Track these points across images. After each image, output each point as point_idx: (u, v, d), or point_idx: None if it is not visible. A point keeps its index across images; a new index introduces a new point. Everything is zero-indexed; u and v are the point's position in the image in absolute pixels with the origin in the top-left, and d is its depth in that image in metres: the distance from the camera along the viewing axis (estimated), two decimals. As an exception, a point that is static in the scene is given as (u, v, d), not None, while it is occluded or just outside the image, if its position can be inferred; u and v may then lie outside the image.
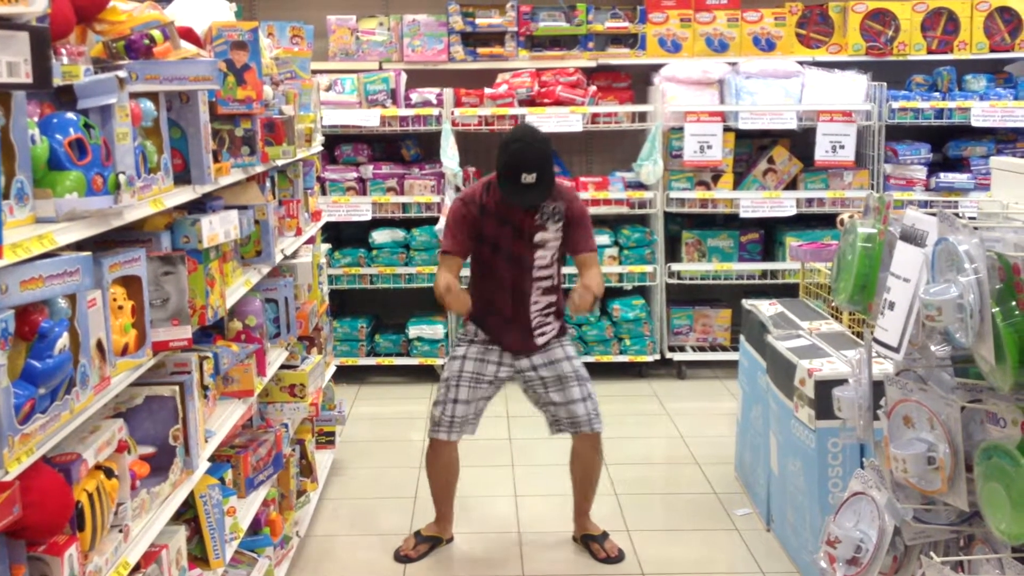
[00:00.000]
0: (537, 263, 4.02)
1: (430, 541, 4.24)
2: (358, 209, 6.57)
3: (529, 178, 3.85)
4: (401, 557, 4.18)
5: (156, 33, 2.69)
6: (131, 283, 2.43)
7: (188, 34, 3.11)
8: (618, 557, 4.14)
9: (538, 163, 3.86)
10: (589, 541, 4.22)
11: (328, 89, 6.52)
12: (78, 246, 2.17)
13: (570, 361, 4.10)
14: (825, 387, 3.55)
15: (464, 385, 4.07)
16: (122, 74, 2.33)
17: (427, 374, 6.69)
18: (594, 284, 3.93)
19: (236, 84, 3.26)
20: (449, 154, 6.41)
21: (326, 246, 5.77)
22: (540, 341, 4.10)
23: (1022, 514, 2.09)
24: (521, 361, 4.10)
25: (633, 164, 6.61)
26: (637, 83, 6.88)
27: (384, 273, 6.62)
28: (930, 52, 6.62)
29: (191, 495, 2.93)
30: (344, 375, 6.47)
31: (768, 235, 6.88)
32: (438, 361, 6.58)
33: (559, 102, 6.48)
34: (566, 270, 4.56)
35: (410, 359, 6.64)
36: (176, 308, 2.65)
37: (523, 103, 6.50)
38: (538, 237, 4.00)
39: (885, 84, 6.50)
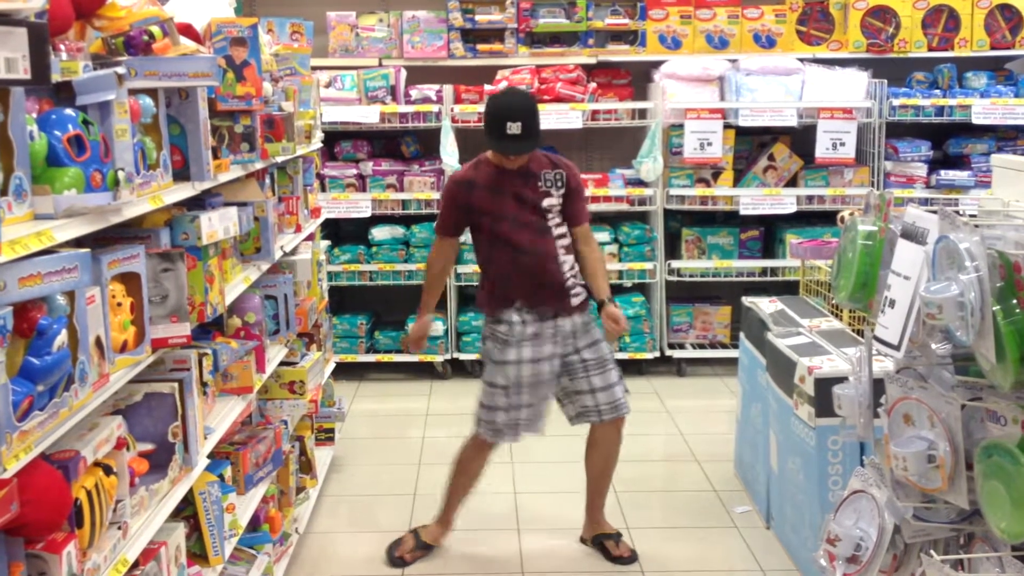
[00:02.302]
0: (551, 223, 3.99)
1: (427, 548, 4.21)
2: (358, 206, 6.56)
3: (514, 128, 3.83)
4: (396, 559, 4.15)
5: (155, 29, 2.69)
6: (130, 280, 2.43)
7: (187, 30, 3.11)
8: (631, 558, 4.12)
9: (522, 113, 3.85)
10: (604, 540, 4.19)
11: (328, 85, 6.52)
12: (77, 243, 2.17)
13: (605, 343, 4.10)
14: (825, 385, 3.54)
15: (526, 391, 3.99)
16: (121, 70, 2.32)
17: (427, 371, 6.69)
18: (621, 320, 4.05)
19: (235, 80, 3.26)
20: (449, 151, 6.41)
21: (325, 243, 5.75)
22: (575, 302, 4.03)
23: (1022, 513, 2.08)
24: (567, 347, 4.01)
25: (633, 161, 6.60)
26: (637, 80, 6.87)
27: (384, 270, 6.62)
28: (931, 49, 6.62)
29: (190, 492, 2.92)
30: (343, 372, 6.46)
31: (768, 232, 6.87)
32: (438, 358, 6.58)
33: (559, 99, 6.48)
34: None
35: (410, 356, 6.63)
36: (175, 305, 2.65)
37: (523, 100, 6.49)
38: (546, 203, 3.98)
39: (886, 81, 6.49)
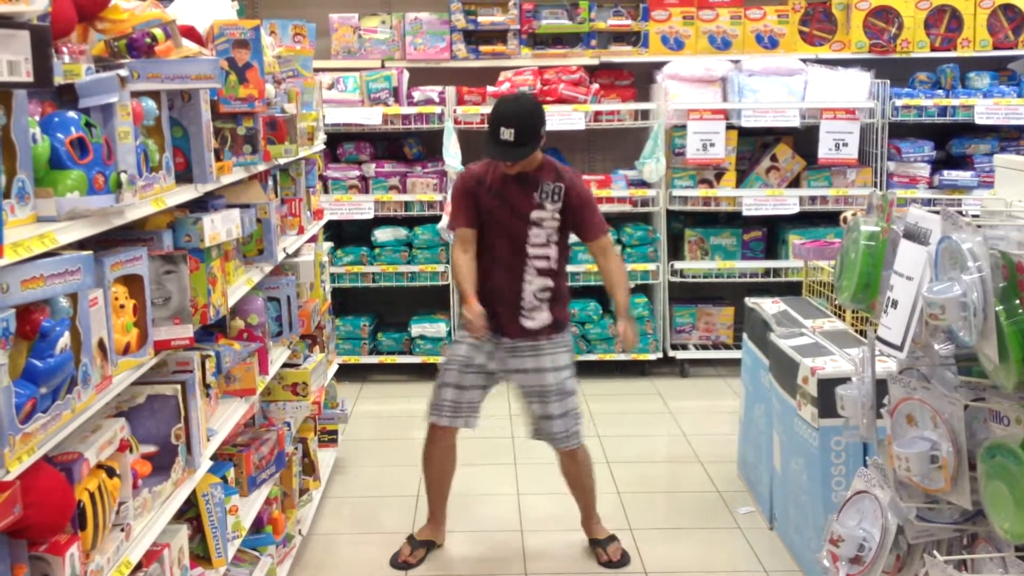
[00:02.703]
0: (532, 240, 3.98)
1: (426, 545, 4.22)
2: (360, 207, 6.57)
3: (507, 134, 3.81)
4: (400, 564, 4.15)
5: (158, 31, 2.69)
6: (133, 282, 2.43)
7: (190, 32, 3.11)
8: (620, 561, 4.12)
9: (517, 120, 3.82)
10: (594, 545, 4.21)
11: (330, 87, 6.52)
12: (79, 245, 2.17)
13: (557, 373, 4.02)
14: (828, 385, 3.54)
15: (453, 369, 4.07)
16: (123, 73, 2.33)
17: (429, 372, 6.66)
18: (631, 333, 4.03)
19: (238, 82, 3.26)
20: (451, 152, 6.41)
21: (328, 244, 5.76)
22: (528, 325, 4.00)
23: (1026, 513, 2.08)
24: (509, 361, 4.05)
25: (636, 162, 6.60)
26: (640, 81, 6.87)
27: (386, 271, 6.62)
28: (933, 49, 6.61)
29: (193, 494, 2.93)
30: (346, 373, 6.47)
31: (771, 233, 6.87)
32: (440, 359, 6.57)
33: (562, 100, 6.48)
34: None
35: (412, 357, 6.64)
36: (178, 307, 2.65)
37: (525, 101, 6.49)
38: (535, 215, 3.96)
39: (888, 82, 6.49)
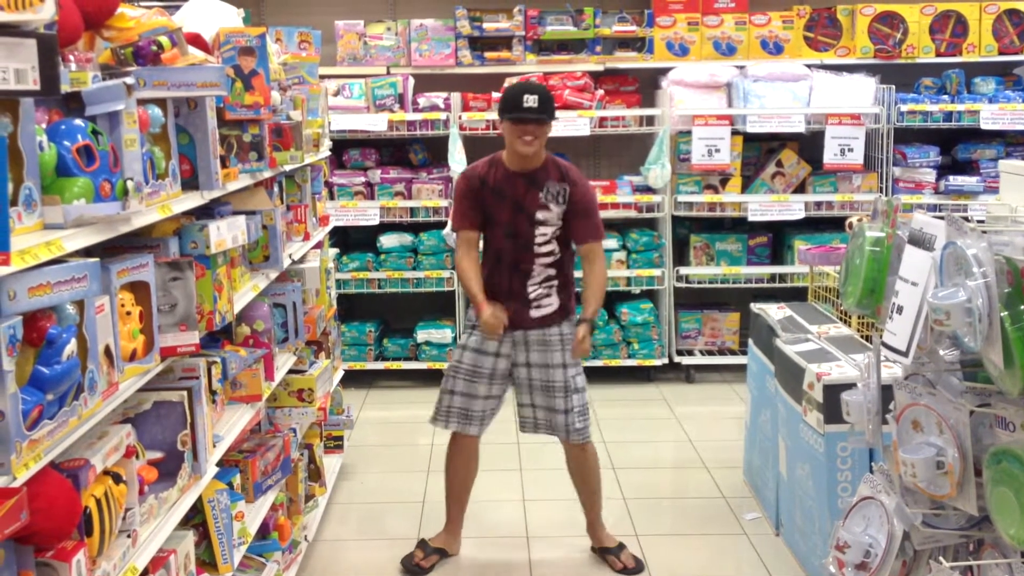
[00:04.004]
0: (538, 239, 3.98)
1: (440, 552, 4.22)
2: (366, 213, 6.58)
3: (531, 100, 3.85)
4: (413, 567, 4.14)
5: (164, 39, 2.70)
6: (139, 289, 2.44)
7: (196, 40, 3.12)
8: (636, 568, 4.11)
9: (539, 91, 3.89)
10: (605, 554, 4.18)
11: (336, 94, 6.54)
12: (86, 252, 2.18)
13: (564, 370, 4.02)
14: (834, 391, 3.54)
15: (462, 378, 4.07)
16: (130, 80, 2.34)
17: (435, 378, 6.65)
18: (586, 341, 3.98)
19: (244, 90, 3.27)
20: (457, 158, 6.42)
21: (334, 251, 5.77)
22: (536, 314, 4.00)
23: (1032, 519, 2.08)
24: (519, 355, 4.06)
25: (641, 168, 6.61)
26: (645, 87, 6.88)
27: (392, 277, 6.63)
28: (939, 55, 6.61)
29: (199, 500, 2.93)
30: (352, 379, 6.47)
31: (776, 238, 6.87)
32: (446, 365, 6.58)
33: (567, 106, 6.49)
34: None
35: (418, 363, 6.65)
36: (184, 313, 2.66)
37: (531, 107, 6.49)
38: (540, 215, 3.97)
39: (894, 87, 6.49)
